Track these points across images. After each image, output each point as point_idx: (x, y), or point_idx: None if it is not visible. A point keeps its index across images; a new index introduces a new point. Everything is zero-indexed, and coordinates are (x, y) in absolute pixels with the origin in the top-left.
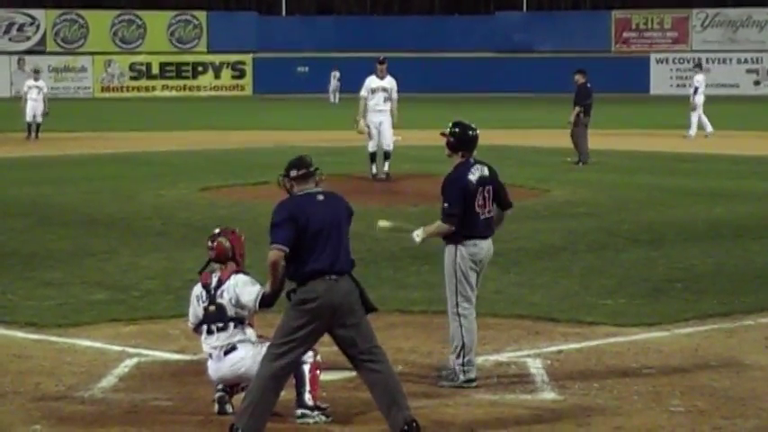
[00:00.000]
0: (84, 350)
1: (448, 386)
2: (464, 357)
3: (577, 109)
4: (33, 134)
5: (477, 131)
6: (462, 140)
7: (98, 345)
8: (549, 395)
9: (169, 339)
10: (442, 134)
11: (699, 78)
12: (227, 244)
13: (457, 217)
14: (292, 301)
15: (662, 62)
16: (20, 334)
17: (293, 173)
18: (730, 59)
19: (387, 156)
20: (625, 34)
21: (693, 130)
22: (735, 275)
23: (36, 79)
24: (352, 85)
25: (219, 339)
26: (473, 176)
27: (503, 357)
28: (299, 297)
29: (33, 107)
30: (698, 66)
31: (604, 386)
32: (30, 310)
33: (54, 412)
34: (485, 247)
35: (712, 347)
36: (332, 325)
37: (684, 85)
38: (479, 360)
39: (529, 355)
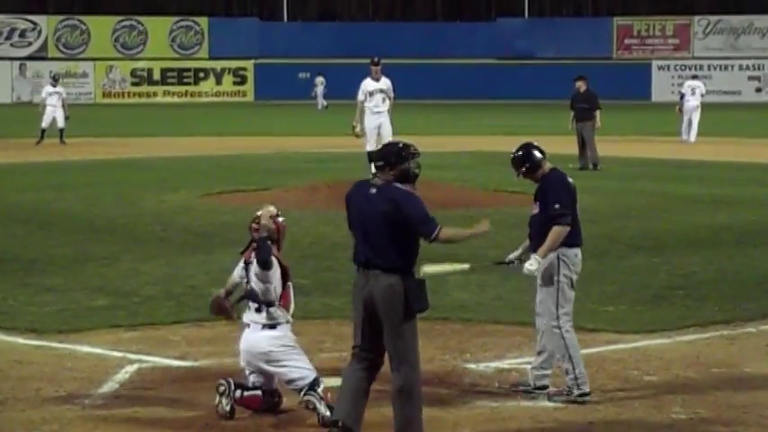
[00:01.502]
0: (84, 356)
1: (562, 401)
2: (575, 371)
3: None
4: (60, 140)
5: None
6: (531, 157)
7: (99, 351)
8: (550, 403)
9: (170, 345)
10: (519, 174)
11: (688, 84)
12: (272, 226)
13: (569, 216)
14: None
15: (663, 69)
16: (21, 340)
17: (374, 164)
18: (732, 66)
19: None
20: (627, 41)
21: (687, 135)
22: (736, 282)
23: (54, 85)
24: (351, 90)
25: (261, 317)
26: (571, 179)
27: (504, 364)
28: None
29: (52, 113)
30: (694, 76)
31: (606, 393)
32: (31, 315)
33: (55, 418)
34: (580, 255)
35: (714, 354)
36: (369, 320)
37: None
38: (481, 366)
39: (530, 362)
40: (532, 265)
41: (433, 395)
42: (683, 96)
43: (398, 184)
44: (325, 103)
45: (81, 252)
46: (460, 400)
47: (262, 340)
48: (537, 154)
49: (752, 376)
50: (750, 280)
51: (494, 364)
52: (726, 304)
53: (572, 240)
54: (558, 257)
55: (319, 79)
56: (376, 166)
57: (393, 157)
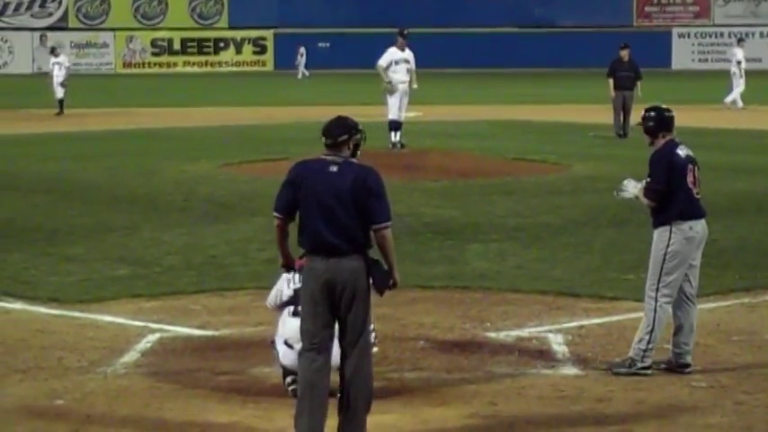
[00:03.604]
0: (106, 326)
1: (624, 372)
2: (648, 344)
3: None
4: (57, 110)
5: (673, 112)
6: (661, 121)
7: (120, 320)
8: (570, 370)
9: (191, 315)
10: (639, 124)
11: (734, 52)
12: None
13: (659, 193)
14: (300, 277)
15: (684, 36)
16: (43, 309)
17: (325, 140)
18: (753, 33)
19: (400, 126)
20: (647, 9)
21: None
22: (757, 250)
23: (56, 55)
24: (371, 60)
25: None
26: (681, 152)
27: (524, 332)
28: (303, 272)
29: (58, 83)
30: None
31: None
32: (52, 285)
33: (77, 387)
34: (700, 229)
35: (734, 322)
36: (333, 306)
37: (707, 60)
38: (501, 335)
39: (550, 331)
40: (634, 190)
41: (454, 364)
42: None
43: (354, 160)
44: (306, 73)
45: (102, 222)
46: (481, 368)
47: None
48: (652, 126)
49: None
50: None
51: (514, 333)
52: (746, 272)
53: (683, 212)
54: (670, 230)
55: (301, 50)
56: (334, 144)
57: (352, 130)
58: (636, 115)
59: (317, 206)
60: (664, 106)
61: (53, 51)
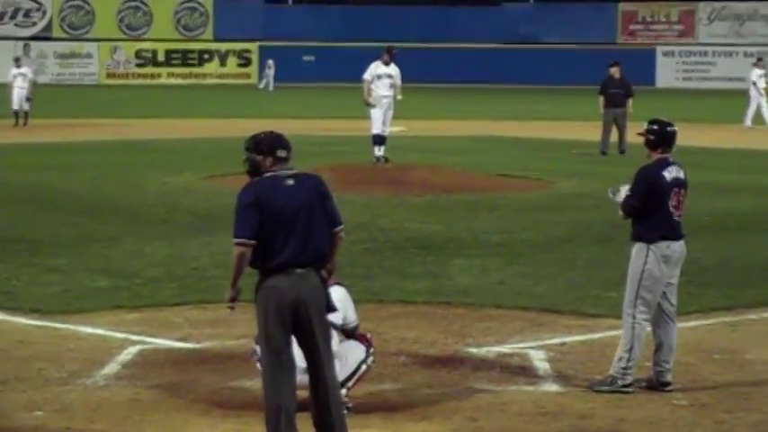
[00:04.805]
0: (87, 337)
1: (605, 390)
2: (628, 362)
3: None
4: (22, 121)
5: (676, 128)
6: (662, 137)
7: (101, 332)
8: (551, 387)
9: (172, 327)
10: (640, 134)
11: (755, 72)
12: None
13: (634, 208)
14: (256, 297)
15: (668, 55)
16: (24, 320)
17: (281, 153)
18: (737, 53)
19: (384, 141)
20: (631, 26)
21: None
22: (739, 269)
23: (19, 66)
24: (356, 74)
25: None
26: (668, 174)
27: (506, 348)
28: (261, 293)
29: (20, 95)
30: (759, 59)
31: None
32: (34, 296)
33: (57, 398)
34: (677, 248)
35: (716, 341)
36: (295, 324)
37: (691, 78)
38: (483, 351)
39: (532, 347)
40: (619, 193)
41: (435, 379)
42: (755, 84)
43: (297, 170)
44: (271, 87)
45: (85, 233)
46: (462, 384)
47: None
48: (653, 140)
49: (753, 363)
50: (752, 266)
51: (496, 349)
52: (728, 291)
53: (662, 233)
54: (648, 248)
55: (270, 62)
56: (283, 158)
57: (289, 143)
58: (631, 132)
59: (285, 223)
60: (667, 120)
61: (17, 62)
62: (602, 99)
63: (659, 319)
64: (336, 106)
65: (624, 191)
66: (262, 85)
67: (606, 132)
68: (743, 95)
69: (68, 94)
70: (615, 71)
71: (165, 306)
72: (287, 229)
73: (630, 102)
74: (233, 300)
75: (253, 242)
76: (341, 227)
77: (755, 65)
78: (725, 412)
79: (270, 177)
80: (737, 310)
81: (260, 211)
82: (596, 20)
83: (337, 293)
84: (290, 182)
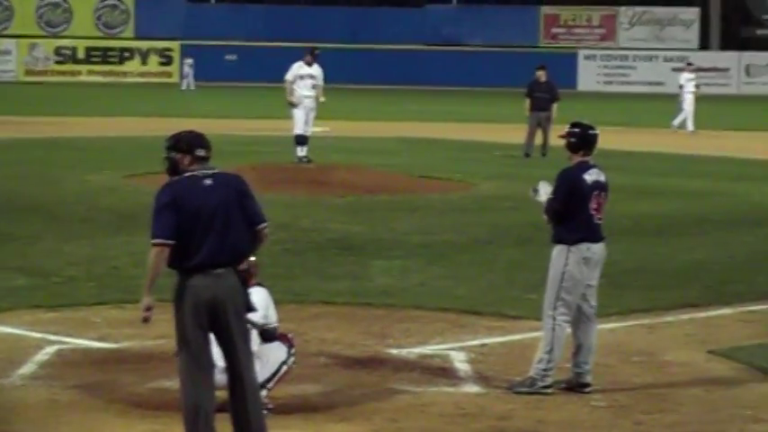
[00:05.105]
0: (3, 337)
1: (525, 391)
2: (548, 363)
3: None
4: None
5: (598, 131)
6: (584, 139)
7: (18, 331)
8: (472, 388)
9: (90, 327)
10: (562, 136)
11: (683, 76)
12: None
13: (557, 212)
14: (174, 297)
15: (590, 58)
16: None
17: (200, 152)
18: (656, 57)
19: (306, 141)
20: (553, 30)
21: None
22: (657, 272)
23: None
24: (279, 74)
25: None
26: (589, 177)
27: (426, 350)
28: (178, 293)
29: None
30: (689, 63)
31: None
32: None
33: None
34: (597, 250)
35: (634, 343)
36: (212, 324)
37: (611, 82)
38: (403, 352)
39: (453, 348)
40: (542, 196)
41: (355, 380)
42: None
43: (218, 169)
44: (192, 86)
45: (2, 231)
46: (382, 385)
47: None
48: (574, 142)
49: (671, 364)
50: (670, 269)
51: (416, 350)
52: (646, 293)
53: (581, 235)
54: (567, 250)
55: (188, 61)
56: (203, 157)
57: (209, 143)
58: (554, 134)
59: (203, 223)
60: (588, 123)
61: None
62: (527, 102)
63: (579, 320)
64: (259, 106)
65: (543, 188)
66: (184, 86)
67: (531, 135)
68: (663, 99)
69: None
70: (541, 74)
71: (84, 305)
72: (204, 229)
73: (555, 106)
74: (148, 309)
75: (171, 242)
76: (264, 224)
77: (685, 69)
78: (643, 413)
79: (188, 177)
80: (656, 312)
81: (177, 211)
82: (519, 23)
83: (258, 294)
84: (209, 181)
